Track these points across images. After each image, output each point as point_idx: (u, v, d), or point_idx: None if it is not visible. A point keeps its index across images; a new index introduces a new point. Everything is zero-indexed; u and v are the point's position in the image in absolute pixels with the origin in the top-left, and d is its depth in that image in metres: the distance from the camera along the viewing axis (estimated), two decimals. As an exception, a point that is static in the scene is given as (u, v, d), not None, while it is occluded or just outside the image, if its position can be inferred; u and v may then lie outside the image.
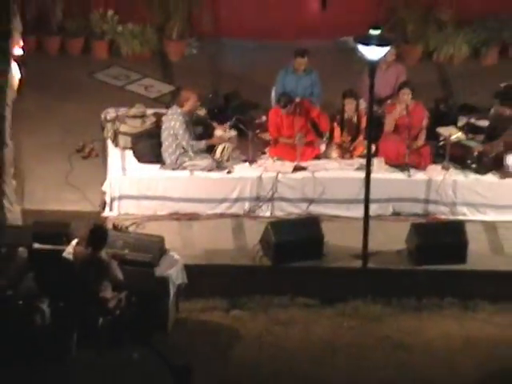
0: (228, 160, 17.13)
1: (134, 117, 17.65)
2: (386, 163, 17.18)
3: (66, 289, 14.97)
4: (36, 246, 15.42)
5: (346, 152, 17.36)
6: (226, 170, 17.07)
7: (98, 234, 14.96)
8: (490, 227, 17.02)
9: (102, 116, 17.84)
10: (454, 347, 15.32)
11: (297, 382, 14.81)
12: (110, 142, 17.49)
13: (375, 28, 15.40)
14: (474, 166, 17.12)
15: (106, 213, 16.87)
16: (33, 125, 17.73)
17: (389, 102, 17.65)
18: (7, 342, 14.62)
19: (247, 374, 14.85)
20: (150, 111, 17.91)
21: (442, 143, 17.28)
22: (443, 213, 17.17)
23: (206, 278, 15.92)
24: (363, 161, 16.42)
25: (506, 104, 17.39)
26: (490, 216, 17.14)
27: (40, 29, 19.89)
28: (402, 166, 17.16)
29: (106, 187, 17.02)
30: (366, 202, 16.07)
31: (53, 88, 19.07)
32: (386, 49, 15.62)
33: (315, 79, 17.91)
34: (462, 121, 17.75)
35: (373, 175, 16.15)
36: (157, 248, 15.50)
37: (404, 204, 17.19)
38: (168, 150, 17.01)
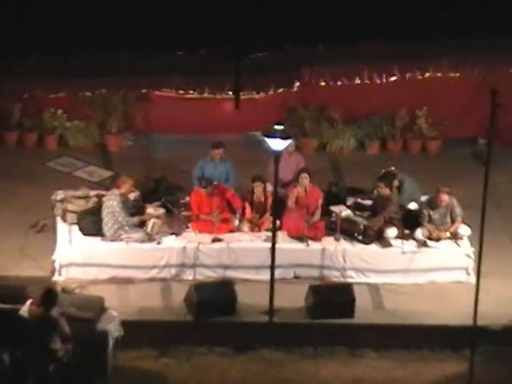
0: (157, 233, 17.14)
1: (79, 197, 17.71)
2: (288, 235, 17.27)
3: (21, 341, 14.77)
4: None
5: (255, 226, 17.47)
6: (156, 241, 17.10)
7: (48, 295, 14.81)
8: (373, 288, 17.13)
9: (53, 197, 17.82)
10: None
11: None
12: (59, 219, 17.46)
13: (279, 124, 15.63)
14: (360, 237, 17.29)
15: (56, 277, 16.80)
16: None
17: (291, 185, 17.69)
18: None
19: None
20: (92, 193, 17.94)
21: (333, 219, 17.42)
22: (335, 276, 17.26)
23: (138, 331, 15.87)
24: (269, 234, 16.50)
25: (385, 186, 17.53)
26: (373, 279, 17.26)
27: (1, 125, 19.90)
28: (301, 238, 17.24)
29: (55, 256, 16.97)
30: (272, 267, 16.12)
31: (11, 174, 19.05)
32: (288, 141, 15.88)
33: (229, 167, 18.03)
34: (350, 200, 17.94)
35: (277, 245, 16.20)
36: (98, 307, 15.49)
37: (303, 269, 17.26)
38: (108, 225, 17.01)
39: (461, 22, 14.88)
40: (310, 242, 17.30)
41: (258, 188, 17.54)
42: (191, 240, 17.24)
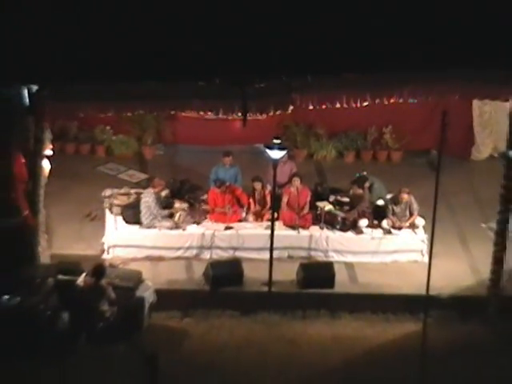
0: (182, 222, 17.33)
1: (123, 194, 17.93)
2: (284, 225, 17.44)
3: (77, 305, 15.08)
4: (59, 277, 15.54)
5: (258, 217, 17.64)
6: (181, 229, 17.29)
7: (99, 269, 15.26)
8: (349, 266, 17.25)
9: (102, 194, 17.98)
10: (325, 342, 15.57)
11: (225, 363, 14.86)
12: (107, 211, 17.63)
13: (276, 138, 15.92)
14: (339, 226, 17.44)
15: (104, 256, 17.02)
16: (56, 200, 17.74)
17: (286, 186, 17.78)
18: (38, 340, 14.64)
19: (192, 358, 14.95)
20: (132, 191, 18.09)
21: (319, 212, 17.60)
22: (320, 256, 17.39)
23: (167, 297, 16.01)
24: (269, 223, 16.67)
25: (358, 187, 17.77)
26: (349, 258, 17.38)
27: (62, 138, 20.00)
28: (293, 227, 17.43)
29: (104, 239, 17.23)
30: (271, 249, 16.33)
31: (69, 176, 19.20)
32: (283, 152, 16.10)
33: (237, 171, 18.13)
34: (331, 198, 18.01)
35: (275, 232, 16.44)
36: (136, 278, 15.85)
37: (295, 251, 17.40)
38: (144, 216, 17.19)
39: (417, 60, 15.01)
40: (300, 229, 17.46)
41: (257, 186, 17.66)
42: (208, 228, 17.42)
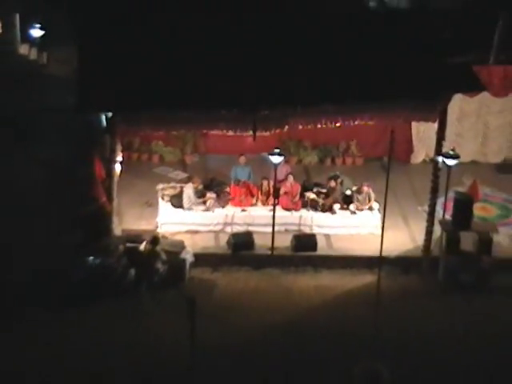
0: (212, 207, 17.18)
1: (171, 188, 17.73)
2: (282, 208, 17.17)
3: (140, 263, 15.12)
4: (127, 245, 15.56)
5: (264, 203, 17.35)
6: (211, 211, 17.12)
7: (155, 239, 15.34)
8: (327, 236, 17.05)
9: (157, 187, 17.76)
10: (310, 289, 15.55)
11: (242, 303, 14.89)
12: (160, 199, 17.39)
13: (276, 149, 15.91)
14: (319, 209, 17.28)
15: (158, 230, 16.77)
16: (125, 191, 17.31)
17: (283, 181, 17.47)
18: (112, 289, 14.73)
19: (219, 300, 15.00)
20: (177, 185, 17.83)
21: (306, 199, 17.41)
22: (306, 230, 17.16)
23: (202, 258, 16.01)
24: (272, 207, 16.52)
25: (333, 182, 17.60)
26: (327, 231, 17.13)
27: (128, 149, 19.31)
28: (289, 209, 17.21)
29: (158, 219, 17.07)
30: (273, 225, 16.28)
31: (133, 175, 18.76)
32: (281, 158, 16.06)
33: (250, 170, 17.85)
34: (314, 190, 17.72)
35: (276, 214, 16.38)
36: (181, 245, 15.89)
37: (289, 226, 17.13)
38: (186, 203, 17.04)
39: (374, 94, 15.07)
40: (293, 212, 17.30)
41: (264, 182, 17.47)
42: (230, 210, 17.26)
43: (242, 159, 17.90)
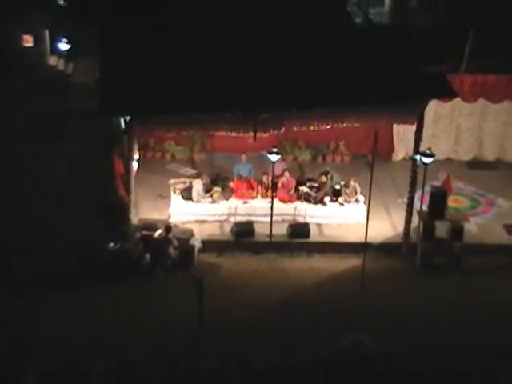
0: (217, 199, 17.03)
1: (181, 182, 17.59)
2: (279, 201, 17.01)
3: (154, 248, 15.09)
4: (143, 232, 15.47)
5: (263, 196, 17.19)
6: (217, 203, 16.97)
7: (168, 227, 15.32)
8: (318, 225, 16.94)
9: (169, 182, 17.60)
10: (304, 271, 15.51)
11: (244, 283, 14.84)
12: (172, 192, 17.25)
13: (274, 148, 15.88)
14: (312, 201, 17.14)
15: (170, 220, 16.62)
16: (141, 185, 17.08)
17: (280, 177, 17.33)
18: (130, 271, 14.69)
19: (224, 280, 14.95)
20: (187, 180, 17.70)
21: (300, 193, 17.28)
22: (301, 219, 17.01)
23: (208, 244, 15.96)
24: (270, 199, 16.47)
25: (324, 177, 17.50)
26: (319, 221, 17.01)
27: (144, 148, 19.21)
28: (285, 202, 17.08)
29: (170, 209, 16.95)
30: (271, 215, 16.24)
31: (149, 171, 18.57)
32: (278, 156, 16.01)
33: (251, 167, 17.75)
34: (308, 184, 17.57)
35: (274, 205, 16.34)
36: (190, 233, 15.81)
37: (285, 216, 16.99)
38: (195, 196, 16.92)
39: (360, 99, 15.02)
40: (289, 203, 17.18)
41: (264, 177, 17.35)
42: (233, 202, 17.14)
43: (244, 157, 17.80)
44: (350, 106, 15.23)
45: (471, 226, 16.90)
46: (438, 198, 15.98)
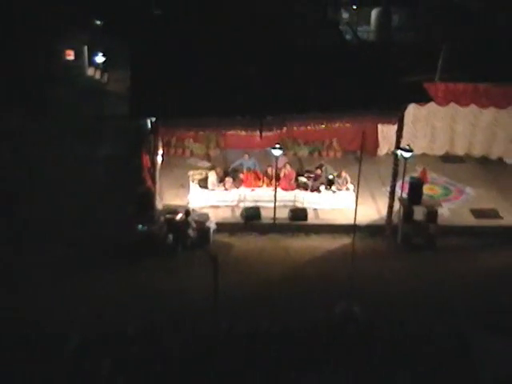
0: (229, 187, 16.85)
1: (199, 173, 17.41)
2: (281, 189, 16.78)
3: (180, 229, 14.89)
4: (167, 216, 15.32)
5: (268, 185, 16.94)
6: (228, 191, 16.81)
7: (187, 211, 15.20)
8: (315, 210, 16.71)
9: (188, 173, 17.47)
10: (303, 249, 15.36)
11: (252, 259, 14.72)
12: (191, 182, 17.12)
13: (277, 144, 15.61)
14: (309, 189, 16.94)
15: (190, 205, 16.45)
16: (165, 176, 16.95)
17: (282, 169, 17.02)
18: (155, 250, 14.53)
19: (235, 256, 14.87)
20: (204, 172, 17.49)
21: (299, 182, 17.11)
22: (300, 205, 16.80)
23: (221, 226, 15.78)
24: (274, 188, 16.24)
25: (319, 169, 17.31)
26: (315, 206, 16.80)
27: (167, 145, 18.72)
28: (286, 190, 16.84)
29: (189, 196, 16.81)
30: (274, 201, 16.04)
31: (171, 165, 18.31)
32: (281, 151, 15.82)
33: (255, 161, 17.58)
34: (305, 175, 17.36)
35: (277, 193, 16.10)
36: (206, 216, 15.65)
37: (287, 202, 16.76)
38: (210, 184, 16.78)
39: (350, 103, 14.84)
40: (290, 191, 16.97)
41: (269, 169, 17.12)
42: (242, 190, 16.96)
43: (246, 157, 17.71)
44: (341, 110, 15.15)
45: (444, 211, 16.77)
46: (416, 187, 15.89)
